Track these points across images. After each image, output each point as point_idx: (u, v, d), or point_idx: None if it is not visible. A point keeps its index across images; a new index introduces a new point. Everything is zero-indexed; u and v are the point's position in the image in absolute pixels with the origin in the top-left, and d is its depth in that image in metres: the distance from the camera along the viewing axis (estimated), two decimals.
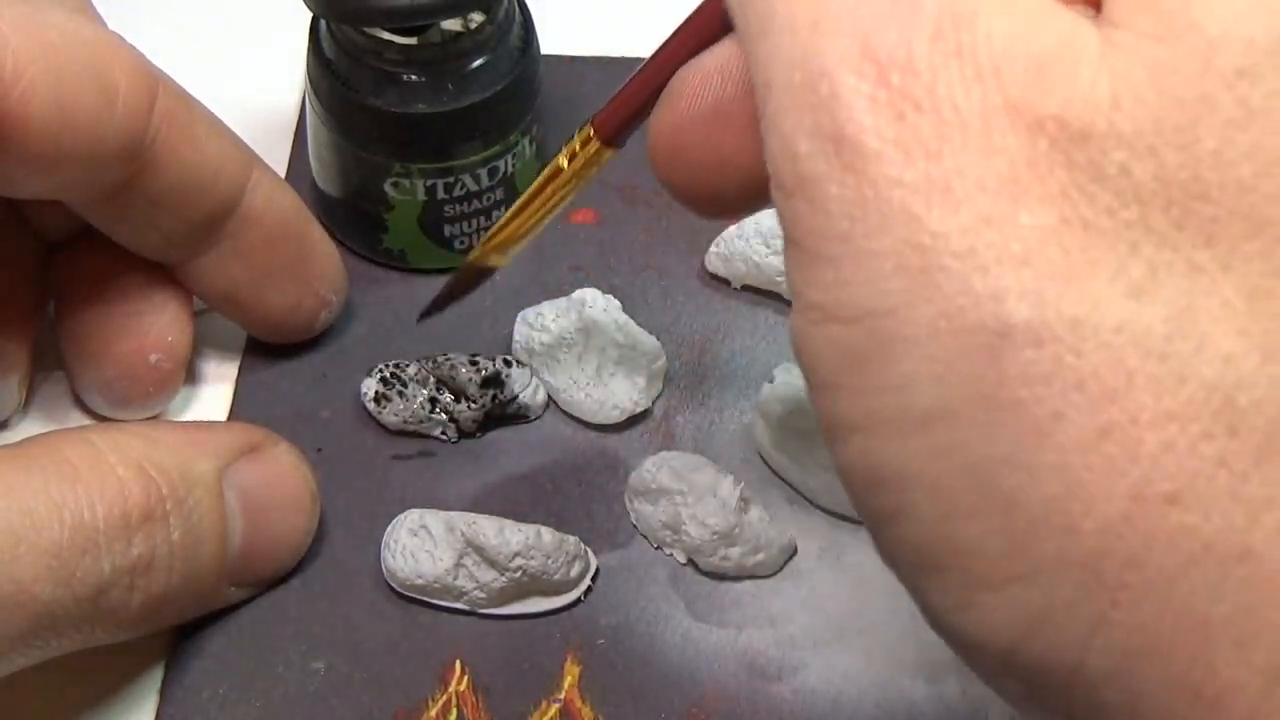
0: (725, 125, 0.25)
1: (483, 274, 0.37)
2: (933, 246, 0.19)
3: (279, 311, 0.38)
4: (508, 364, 0.39)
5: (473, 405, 0.38)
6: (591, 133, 0.31)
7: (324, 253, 0.39)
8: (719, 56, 0.25)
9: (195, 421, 0.39)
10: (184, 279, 0.37)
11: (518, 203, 0.35)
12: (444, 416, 0.38)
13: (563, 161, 0.33)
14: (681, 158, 0.26)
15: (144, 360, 0.37)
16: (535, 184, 0.34)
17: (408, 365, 0.39)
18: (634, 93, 0.29)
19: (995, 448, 0.18)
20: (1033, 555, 0.18)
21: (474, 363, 0.38)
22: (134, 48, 0.33)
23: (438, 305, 0.38)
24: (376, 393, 0.38)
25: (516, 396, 0.38)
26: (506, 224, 0.35)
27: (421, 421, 0.38)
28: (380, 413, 0.38)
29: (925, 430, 0.19)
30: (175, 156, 0.34)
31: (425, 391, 0.38)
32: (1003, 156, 0.19)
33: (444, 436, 0.38)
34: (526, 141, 0.40)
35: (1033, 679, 0.19)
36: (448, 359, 0.38)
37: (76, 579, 0.29)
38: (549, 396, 0.39)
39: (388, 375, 0.38)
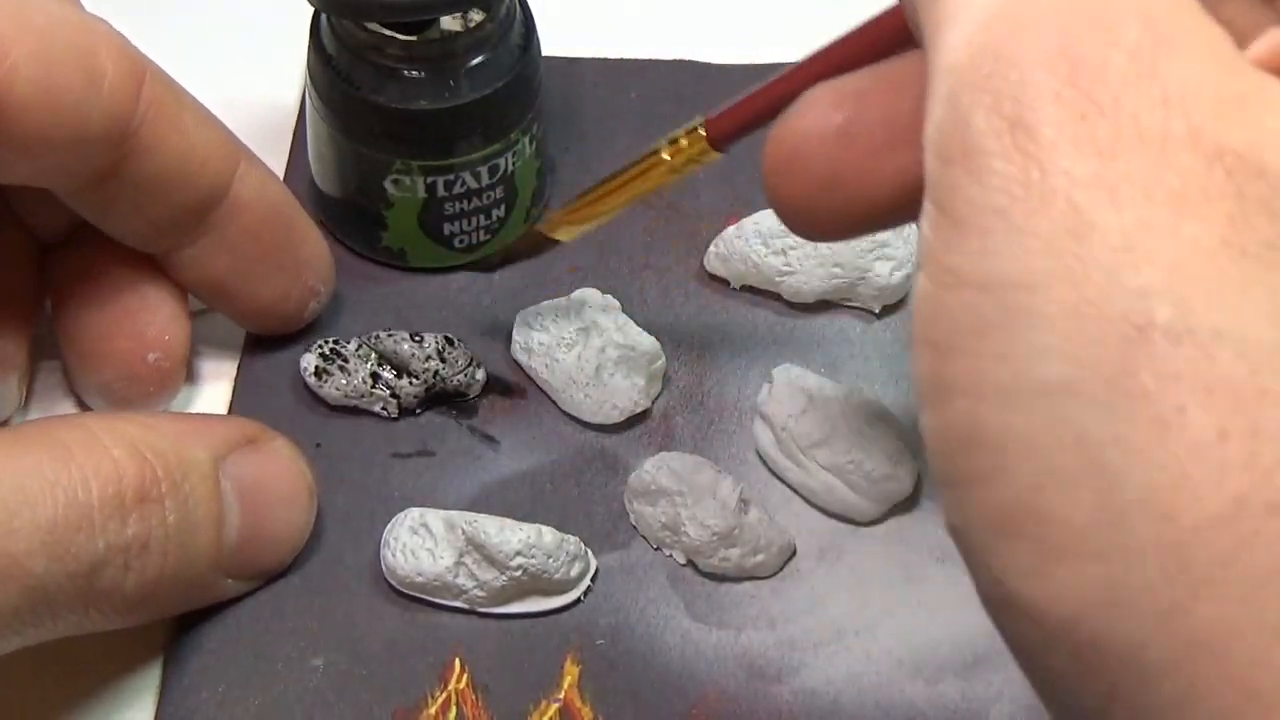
0: (851, 145, 0.26)
1: (546, 244, 0.38)
2: (1089, 237, 0.20)
3: (267, 302, 0.38)
4: (449, 342, 0.39)
5: (414, 381, 0.38)
6: (703, 131, 0.32)
7: (312, 244, 0.39)
8: (857, 81, 0.27)
9: (194, 413, 0.38)
10: (171, 270, 0.37)
11: (603, 181, 0.35)
12: (385, 392, 0.38)
13: (665, 154, 0.33)
14: (798, 170, 0.27)
15: (142, 359, 0.37)
16: (628, 167, 0.34)
17: (348, 342, 0.39)
18: (758, 101, 0.31)
19: (1111, 429, 0.19)
20: (1122, 535, 0.19)
21: (416, 339, 0.38)
22: (121, 33, 0.33)
23: (489, 266, 0.38)
24: (316, 367, 0.38)
25: (459, 373, 0.38)
26: (587, 201, 0.36)
27: (363, 396, 0.38)
28: (320, 387, 0.38)
29: (1043, 401, 0.20)
30: (162, 143, 0.33)
31: (367, 367, 0.38)
32: (1175, 174, 0.20)
33: (384, 412, 0.38)
34: (527, 140, 0.40)
35: (1086, 656, 0.20)
36: (390, 335, 0.39)
37: (70, 555, 0.29)
38: (487, 377, 0.39)
39: (327, 351, 0.38)
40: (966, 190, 0.21)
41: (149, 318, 0.37)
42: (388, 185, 0.39)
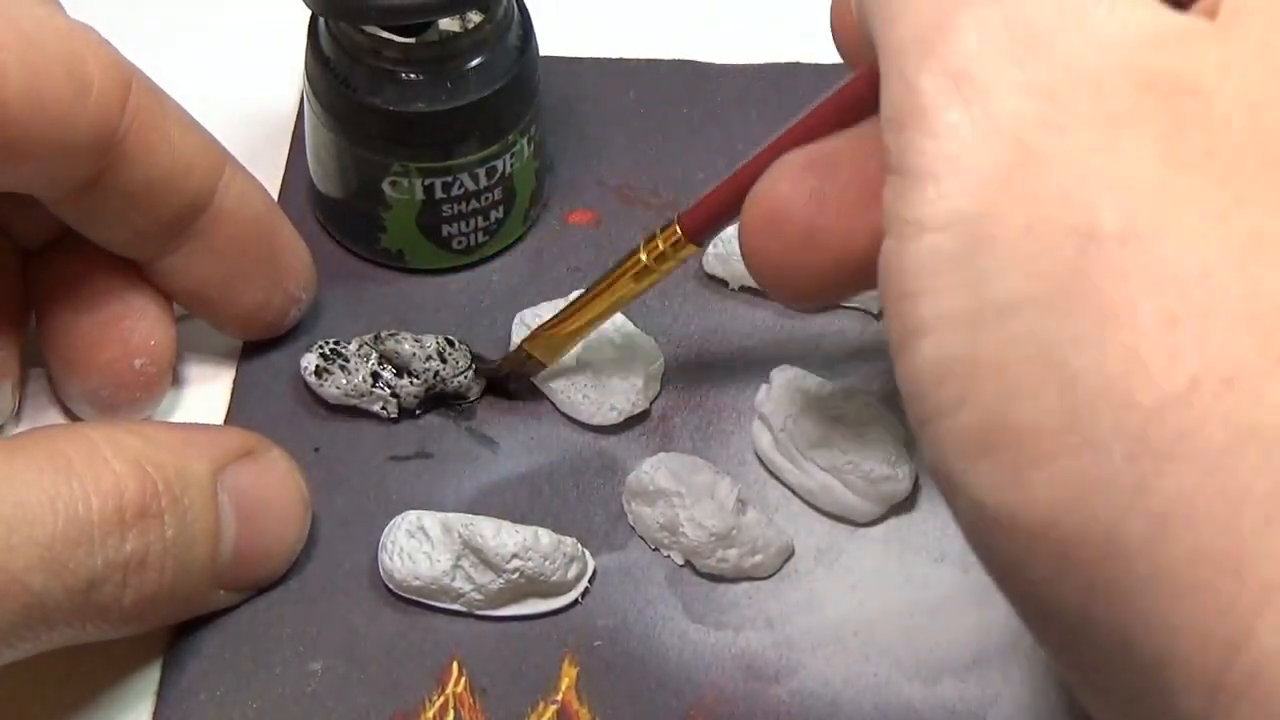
0: (825, 204, 0.28)
1: (533, 364, 0.38)
2: (1035, 164, 0.21)
3: (249, 309, 0.38)
4: (450, 343, 0.39)
5: (415, 381, 0.38)
6: (679, 231, 0.33)
7: (294, 251, 0.39)
8: (826, 146, 0.29)
9: (192, 423, 0.38)
10: (154, 276, 0.37)
11: (582, 295, 0.36)
12: (386, 392, 0.38)
13: (641, 254, 0.34)
14: (775, 231, 0.29)
15: (129, 366, 0.37)
16: (607, 275, 0.35)
17: (348, 343, 0.39)
18: (728, 189, 0.32)
19: (1069, 329, 0.20)
20: (1087, 428, 0.20)
21: (418, 340, 0.38)
22: (108, 41, 0.33)
23: (487, 373, 0.39)
24: (317, 366, 0.38)
25: (459, 374, 0.38)
26: (568, 315, 0.37)
27: (363, 396, 0.38)
28: (321, 386, 0.38)
29: (1003, 319, 0.21)
30: (147, 151, 0.33)
31: (367, 366, 0.38)
32: (1114, 101, 0.21)
33: (384, 412, 0.38)
34: (525, 142, 0.40)
35: (1064, 553, 0.21)
36: (392, 335, 0.39)
37: (69, 571, 0.29)
38: (486, 380, 0.39)
39: (328, 351, 0.38)
40: (919, 146, 0.22)
41: (134, 324, 0.37)
42: (386, 187, 0.39)
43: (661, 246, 0.34)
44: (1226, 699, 0.19)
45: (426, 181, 0.39)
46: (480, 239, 0.41)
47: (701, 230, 0.33)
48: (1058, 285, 0.21)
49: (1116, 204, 0.21)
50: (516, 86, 0.39)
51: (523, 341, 0.38)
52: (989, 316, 0.21)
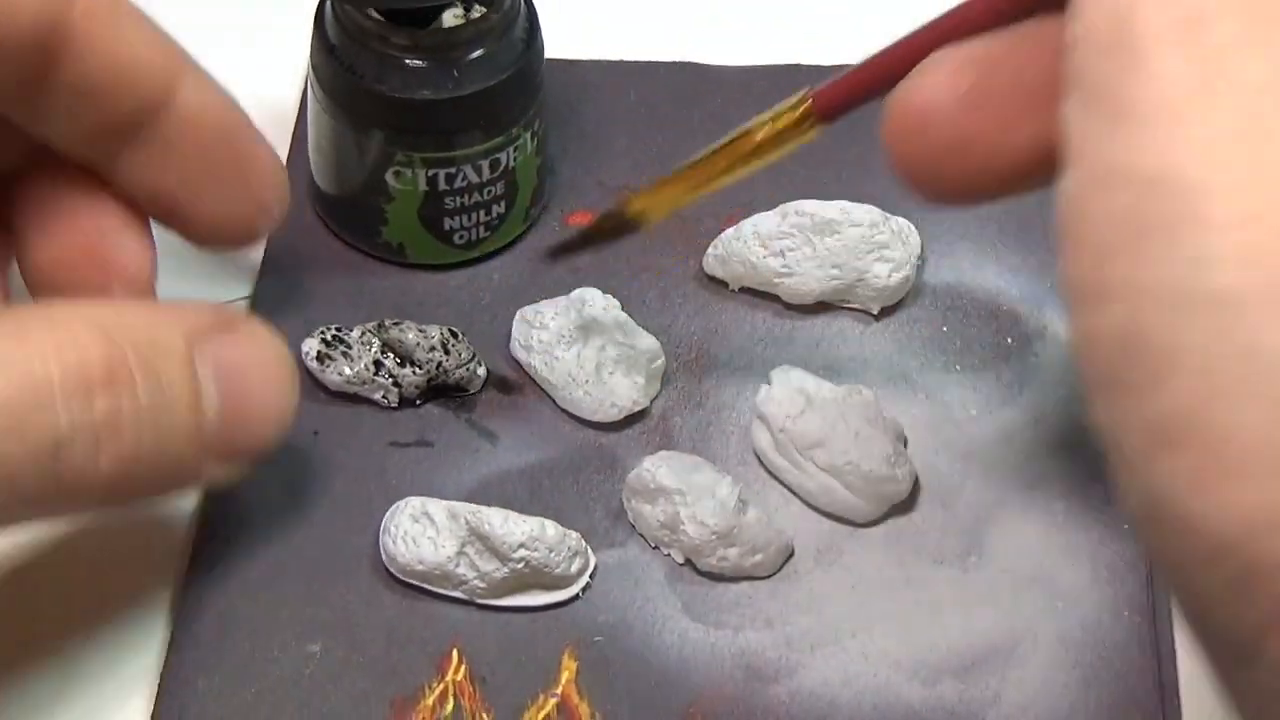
0: (979, 110, 0.26)
1: (626, 228, 0.36)
2: (1267, 145, 0.19)
3: (217, 217, 0.37)
4: (453, 335, 0.39)
5: (417, 370, 0.38)
6: (810, 104, 0.31)
7: (263, 156, 0.37)
8: (983, 45, 0.27)
9: (164, 301, 0.37)
10: (119, 182, 0.36)
11: (689, 162, 0.34)
12: (388, 380, 0.38)
13: (759, 130, 0.32)
14: (923, 136, 0.27)
15: (108, 292, 0.36)
16: (717, 146, 0.33)
17: (349, 329, 0.39)
18: (870, 71, 0.30)
19: None
20: None
21: (422, 330, 0.38)
22: None
23: (568, 248, 0.37)
24: (319, 352, 0.38)
25: (461, 366, 0.38)
26: (673, 179, 0.34)
27: (365, 383, 0.38)
28: (323, 372, 0.38)
29: (1212, 310, 0.19)
30: (98, 45, 0.33)
31: (370, 353, 0.38)
32: None
33: (385, 401, 0.38)
34: (529, 136, 0.40)
35: (1247, 580, 0.19)
36: (396, 323, 0.38)
37: (30, 433, 0.28)
38: (488, 374, 0.39)
39: (329, 337, 0.38)
40: (1131, 83, 0.20)
41: (112, 248, 0.36)
42: (389, 178, 0.39)
43: (786, 120, 0.31)
44: None
45: (430, 172, 0.39)
46: (481, 234, 0.41)
47: (835, 109, 0.31)
48: (1278, 291, 0.19)
49: None
50: (521, 79, 0.39)
51: (620, 206, 0.35)
52: (1194, 303, 0.19)
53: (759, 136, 0.32)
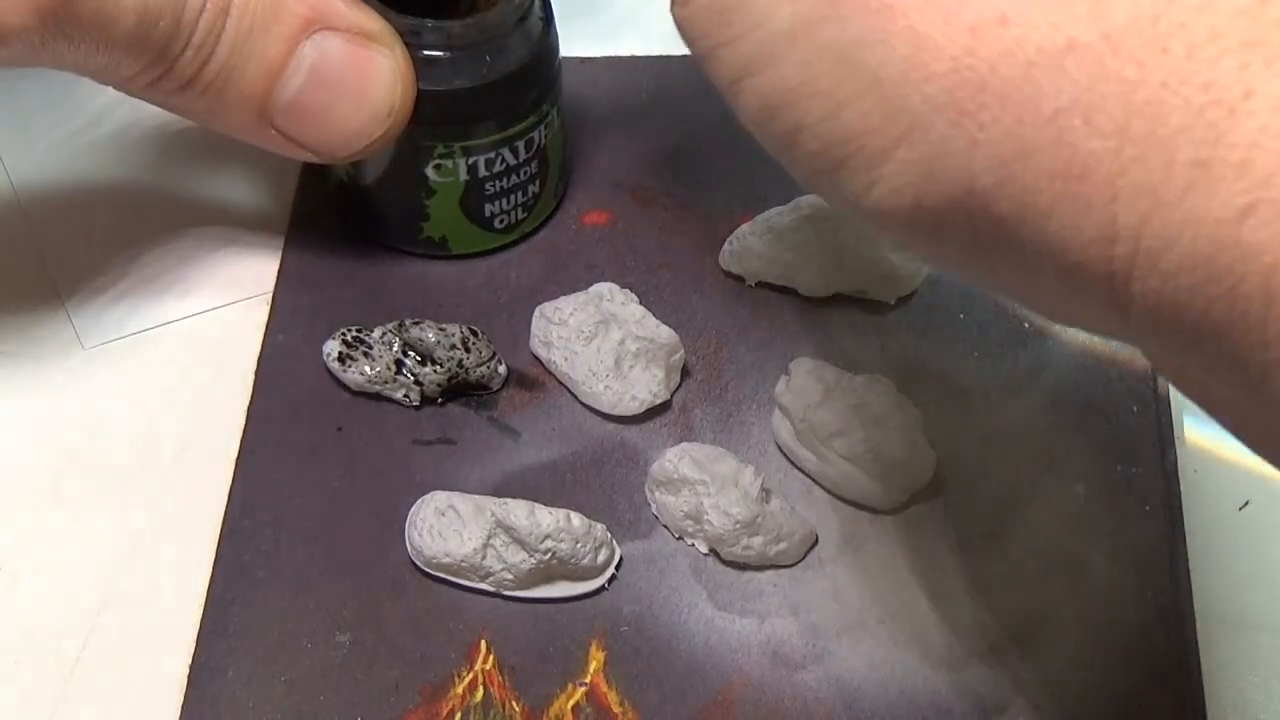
0: None
1: None
2: None
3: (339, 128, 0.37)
4: (474, 333, 0.39)
5: (438, 369, 0.38)
6: None
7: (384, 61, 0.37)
8: None
9: None
10: None
11: None
12: (410, 379, 0.38)
13: None
14: None
15: None
16: None
17: (370, 330, 0.39)
18: None
19: (849, 33, 0.22)
20: (905, 113, 0.22)
21: (442, 328, 0.39)
22: None
23: None
24: (340, 353, 0.38)
25: (481, 364, 0.38)
26: None
27: (386, 383, 0.38)
28: (345, 372, 0.38)
29: (791, 45, 0.23)
30: None
31: (392, 353, 0.38)
32: None
33: (406, 399, 0.38)
34: (555, 111, 0.41)
35: (942, 225, 0.22)
36: (417, 323, 0.39)
37: None
38: (508, 370, 0.40)
39: (350, 338, 0.39)
40: None
41: None
42: (430, 172, 0.39)
43: None
44: (1121, 263, 0.20)
45: (470, 160, 0.39)
46: (520, 215, 0.42)
47: None
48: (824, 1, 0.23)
49: None
50: (546, 54, 0.39)
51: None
52: (778, 49, 0.23)
53: None
